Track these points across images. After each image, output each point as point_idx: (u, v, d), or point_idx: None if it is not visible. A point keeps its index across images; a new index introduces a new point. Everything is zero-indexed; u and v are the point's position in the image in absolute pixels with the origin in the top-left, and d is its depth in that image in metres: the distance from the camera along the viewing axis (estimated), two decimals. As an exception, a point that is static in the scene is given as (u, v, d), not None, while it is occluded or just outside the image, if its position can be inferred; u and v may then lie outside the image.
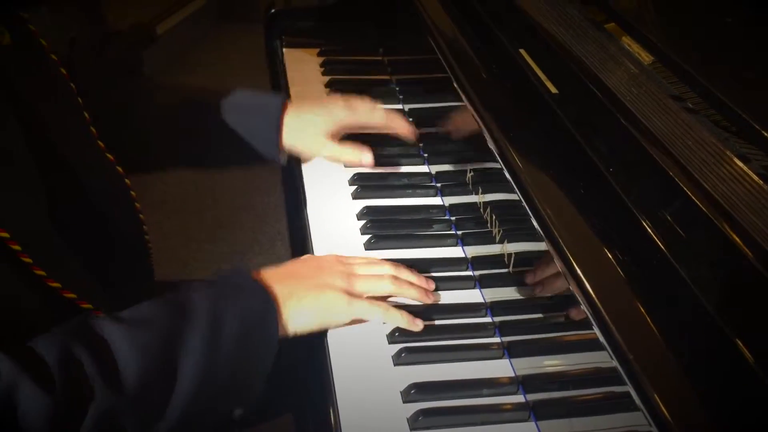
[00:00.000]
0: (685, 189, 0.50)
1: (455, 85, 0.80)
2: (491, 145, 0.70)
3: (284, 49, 1.33)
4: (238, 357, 0.65)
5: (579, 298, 0.52)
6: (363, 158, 0.91)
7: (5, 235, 0.61)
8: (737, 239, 0.46)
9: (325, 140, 0.91)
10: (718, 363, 0.45)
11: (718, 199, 0.49)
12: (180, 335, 0.62)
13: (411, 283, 0.77)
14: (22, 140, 0.71)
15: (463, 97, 0.79)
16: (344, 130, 0.93)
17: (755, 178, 0.52)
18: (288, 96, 1.17)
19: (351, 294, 0.73)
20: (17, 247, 0.62)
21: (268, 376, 0.68)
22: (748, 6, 0.74)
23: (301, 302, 0.71)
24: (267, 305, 0.68)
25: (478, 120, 0.74)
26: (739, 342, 0.43)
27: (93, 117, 0.81)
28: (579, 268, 0.52)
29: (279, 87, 1.29)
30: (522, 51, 0.75)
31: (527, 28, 0.76)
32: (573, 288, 0.53)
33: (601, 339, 0.50)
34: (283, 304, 0.70)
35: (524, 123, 0.70)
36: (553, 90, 0.69)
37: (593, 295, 0.50)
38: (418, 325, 0.74)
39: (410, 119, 1.06)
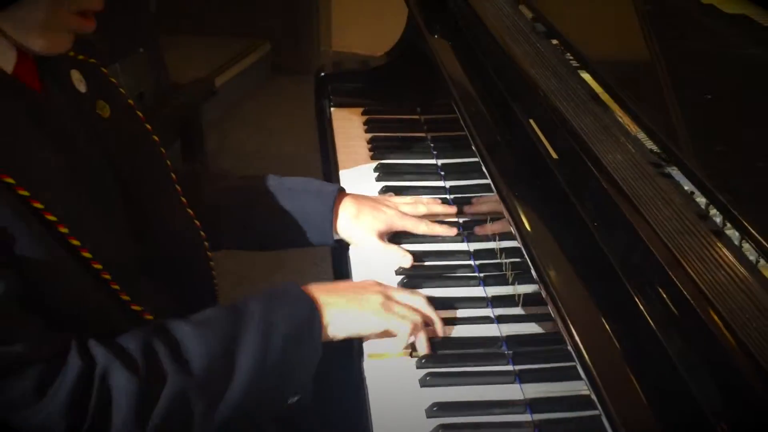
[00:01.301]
0: (645, 240, 0.63)
1: (473, 147, 0.95)
2: (497, 192, 0.85)
3: (332, 109, 1.49)
4: (288, 354, 0.79)
5: (562, 331, 0.65)
6: (403, 261, 1.03)
7: (99, 266, 0.77)
8: (684, 291, 0.58)
9: (374, 238, 1.05)
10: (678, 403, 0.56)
11: (671, 248, 0.61)
12: (238, 333, 0.77)
13: (435, 316, 0.90)
14: (117, 191, 0.88)
15: (479, 158, 0.93)
16: (392, 231, 1.07)
17: (709, 232, 0.64)
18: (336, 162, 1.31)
19: (387, 310, 0.86)
20: (107, 276, 0.78)
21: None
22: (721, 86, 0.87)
23: (342, 311, 0.84)
24: (313, 311, 0.82)
25: (489, 177, 0.88)
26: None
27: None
28: (564, 308, 0.65)
29: (326, 141, 1.45)
30: (531, 121, 0.89)
31: (536, 101, 0.90)
32: (558, 323, 0.66)
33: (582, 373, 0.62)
34: (327, 312, 0.83)
35: (528, 181, 0.84)
36: (554, 156, 0.82)
37: (574, 333, 0.63)
38: (428, 348, 0.87)
39: (448, 192, 1.19)
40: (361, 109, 1.49)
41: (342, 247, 1.09)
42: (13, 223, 0.68)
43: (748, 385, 0.50)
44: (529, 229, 0.76)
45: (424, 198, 1.13)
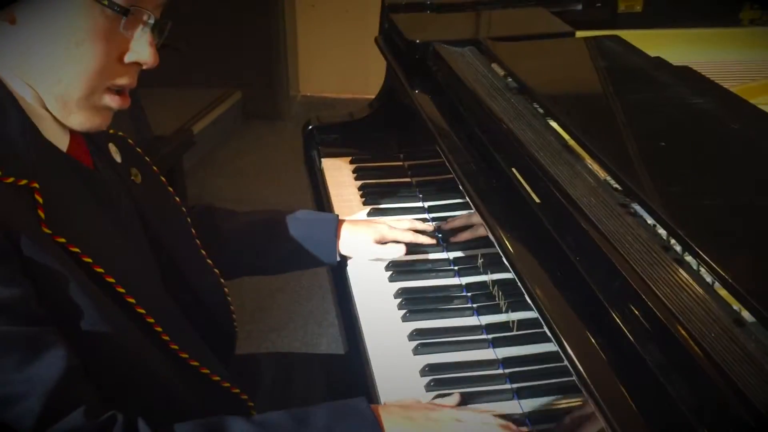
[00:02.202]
0: (619, 267, 0.76)
1: (465, 195, 1.08)
2: (490, 236, 0.98)
3: (322, 159, 1.62)
4: None
5: (555, 344, 0.77)
6: (398, 251, 1.22)
7: (151, 320, 0.87)
8: (655, 309, 0.71)
9: (371, 246, 1.23)
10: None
11: (642, 276, 0.75)
12: None
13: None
14: (148, 248, 0.98)
15: (470, 202, 1.06)
16: (384, 241, 1.24)
17: (672, 261, 0.78)
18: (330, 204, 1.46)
19: None
20: (159, 329, 0.88)
21: None
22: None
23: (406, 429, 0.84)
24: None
25: (482, 219, 1.01)
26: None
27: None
28: (557, 327, 0.78)
29: (319, 190, 1.57)
30: (513, 170, 1.03)
31: (517, 152, 1.03)
32: (553, 341, 0.78)
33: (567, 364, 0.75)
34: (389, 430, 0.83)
35: (514, 222, 0.97)
36: (537, 199, 0.96)
37: (561, 337, 0.76)
38: None
39: (431, 221, 1.35)
40: (348, 158, 1.62)
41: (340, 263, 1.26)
42: (83, 292, 0.76)
43: (706, 377, 0.63)
44: (520, 262, 0.90)
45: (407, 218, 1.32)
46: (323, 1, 4.11)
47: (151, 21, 0.83)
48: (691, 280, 0.75)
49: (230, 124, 3.74)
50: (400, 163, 1.60)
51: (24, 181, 0.77)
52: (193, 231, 1.08)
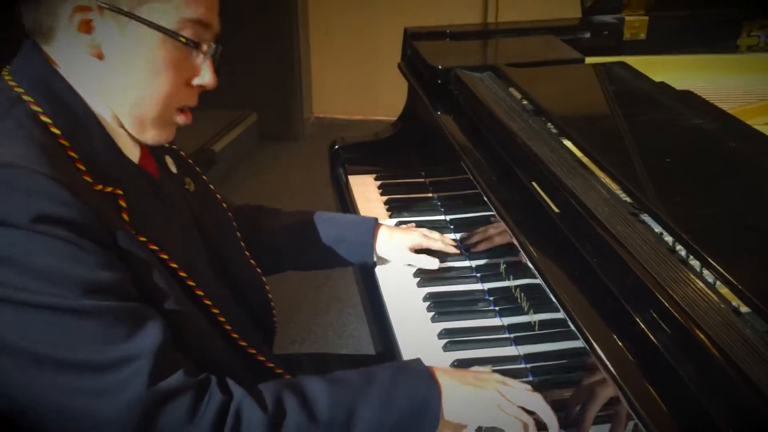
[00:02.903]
0: (632, 267, 0.87)
1: (491, 206, 1.19)
2: (515, 243, 1.09)
3: (349, 176, 1.73)
4: (404, 424, 0.90)
5: (577, 333, 0.88)
6: (432, 264, 1.33)
7: (216, 311, 0.98)
8: (666, 303, 0.82)
9: (406, 252, 1.35)
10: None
11: (653, 275, 0.85)
12: (363, 394, 0.90)
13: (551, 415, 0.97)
14: (203, 248, 1.09)
15: (496, 213, 1.18)
16: (417, 247, 1.36)
17: (678, 262, 0.89)
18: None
19: (503, 404, 0.95)
20: (222, 319, 0.99)
21: None
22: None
23: (458, 394, 0.94)
24: (431, 390, 0.93)
25: (507, 228, 1.12)
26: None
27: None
28: (576, 316, 0.88)
29: (345, 202, 1.69)
30: (533, 183, 1.14)
31: (536, 167, 1.15)
32: (578, 336, 0.89)
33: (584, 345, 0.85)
34: (445, 390, 0.94)
35: (537, 230, 1.08)
36: (555, 209, 1.07)
37: (583, 328, 0.87)
38: None
39: (453, 232, 1.47)
40: (374, 175, 1.73)
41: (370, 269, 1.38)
42: (163, 282, 0.89)
43: (709, 357, 0.74)
44: (543, 264, 1.01)
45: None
46: (336, 27, 4.27)
47: (212, 50, 0.96)
48: (694, 278, 0.86)
49: (247, 144, 3.87)
50: (422, 180, 1.71)
51: (110, 189, 0.89)
52: (238, 234, 1.19)
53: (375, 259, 1.35)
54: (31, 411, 0.81)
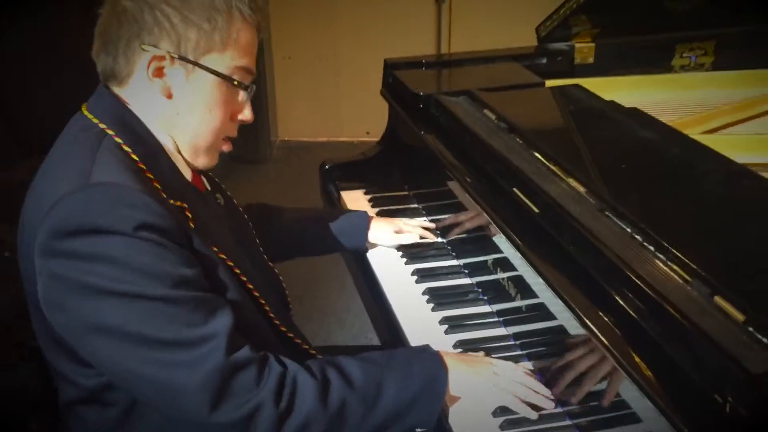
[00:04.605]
0: (604, 252, 1.10)
1: (482, 211, 1.41)
2: (506, 237, 1.31)
3: (341, 192, 1.93)
4: (419, 394, 1.11)
5: (572, 316, 1.10)
6: (414, 238, 1.63)
7: (262, 301, 1.17)
8: (639, 283, 1.05)
9: (391, 235, 1.64)
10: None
11: (626, 261, 1.08)
12: (389, 370, 1.11)
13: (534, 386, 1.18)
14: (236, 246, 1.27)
15: (485, 214, 1.40)
16: (401, 232, 1.63)
17: (638, 246, 1.12)
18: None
19: (494, 377, 1.17)
20: (267, 308, 1.18)
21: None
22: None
23: (459, 369, 1.16)
24: (440, 368, 1.15)
25: (493, 222, 1.34)
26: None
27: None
28: (563, 294, 1.10)
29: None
30: (515, 189, 1.37)
31: (516, 176, 1.37)
32: (567, 312, 1.11)
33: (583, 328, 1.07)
34: (451, 369, 1.15)
35: (522, 226, 1.30)
36: (536, 210, 1.29)
37: (581, 315, 1.09)
38: (532, 414, 1.14)
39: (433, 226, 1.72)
40: (363, 190, 1.94)
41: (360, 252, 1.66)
42: (225, 277, 1.07)
43: (677, 326, 0.96)
44: (532, 256, 1.23)
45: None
46: (297, 52, 4.47)
47: (252, 90, 1.16)
48: (661, 265, 1.08)
49: (218, 167, 4.00)
50: (406, 193, 1.92)
51: (179, 203, 1.07)
52: (258, 240, 1.39)
53: (366, 245, 1.62)
54: (130, 380, 1.00)
